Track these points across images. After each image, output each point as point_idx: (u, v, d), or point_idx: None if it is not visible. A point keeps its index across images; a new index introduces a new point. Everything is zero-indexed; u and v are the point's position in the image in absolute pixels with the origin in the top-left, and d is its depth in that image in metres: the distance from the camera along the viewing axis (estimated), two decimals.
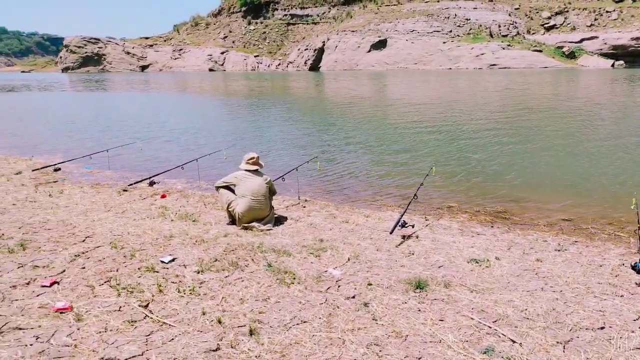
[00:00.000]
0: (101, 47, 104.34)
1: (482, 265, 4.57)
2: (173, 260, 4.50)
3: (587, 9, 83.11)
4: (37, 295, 3.66)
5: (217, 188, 6.10)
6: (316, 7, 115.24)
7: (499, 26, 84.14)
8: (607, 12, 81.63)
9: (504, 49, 77.02)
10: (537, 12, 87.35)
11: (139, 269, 4.26)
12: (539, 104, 23.43)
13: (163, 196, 7.50)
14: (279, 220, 6.17)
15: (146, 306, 3.54)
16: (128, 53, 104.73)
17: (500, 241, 5.49)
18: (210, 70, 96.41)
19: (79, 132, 16.10)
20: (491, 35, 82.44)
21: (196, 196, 7.64)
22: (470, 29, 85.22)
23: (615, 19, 79.96)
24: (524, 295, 3.85)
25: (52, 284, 3.85)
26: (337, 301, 3.69)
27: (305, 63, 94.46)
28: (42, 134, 15.98)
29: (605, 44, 75.01)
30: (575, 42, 77.31)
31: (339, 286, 3.99)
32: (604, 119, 17.32)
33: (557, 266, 4.62)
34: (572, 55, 76.02)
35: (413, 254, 4.91)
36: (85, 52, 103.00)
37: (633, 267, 3.99)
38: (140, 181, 8.49)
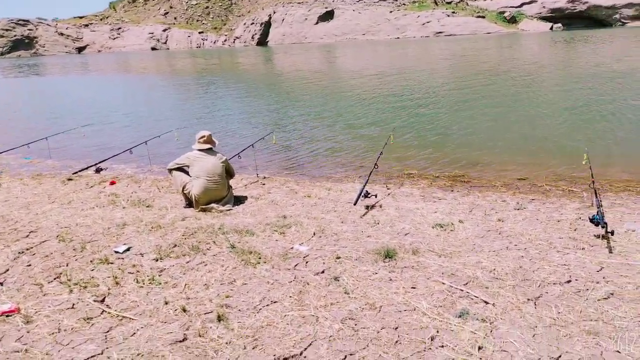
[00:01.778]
0: (32, 30, 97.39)
1: (447, 230, 4.57)
2: (128, 249, 4.23)
3: None
4: None
5: (170, 171, 5.79)
6: None
7: None
8: None
9: (448, 16, 78.01)
10: None
11: (91, 261, 3.98)
12: (488, 69, 23.93)
13: (112, 183, 7.08)
14: (239, 200, 5.95)
15: (102, 301, 3.29)
16: (62, 34, 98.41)
17: (461, 204, 5.53)
18: (153, 49, 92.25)
19: (14, 121, 14.99)
20: (436, 3, 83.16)
21: (148, 181, 7.27)
22: None
23: None
24: (490, 256, 3.87)
25: None
26: (307, 278, 3.57)
27: (252, 38, 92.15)
28: None
29: (544, 7, 77.34)
30: (516, 7, 79.27)
31: (306, 262, 3.88)
32: (550, 81, 17.91)
33: (518, 224, 4.70)
34: (513, 20, 78.02)
35: (378, 223, 4.86)
36: (15, 35, 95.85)
37: (591, 220, 4.09)
38: (86, 168, 8.01)
